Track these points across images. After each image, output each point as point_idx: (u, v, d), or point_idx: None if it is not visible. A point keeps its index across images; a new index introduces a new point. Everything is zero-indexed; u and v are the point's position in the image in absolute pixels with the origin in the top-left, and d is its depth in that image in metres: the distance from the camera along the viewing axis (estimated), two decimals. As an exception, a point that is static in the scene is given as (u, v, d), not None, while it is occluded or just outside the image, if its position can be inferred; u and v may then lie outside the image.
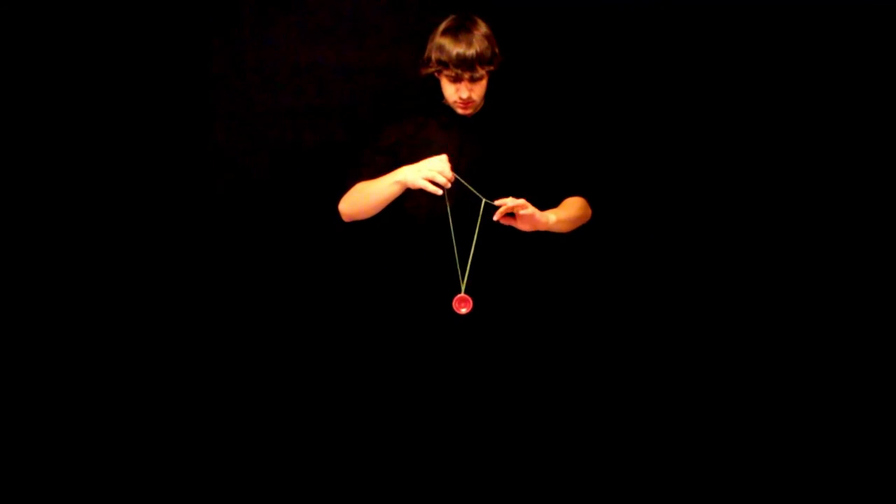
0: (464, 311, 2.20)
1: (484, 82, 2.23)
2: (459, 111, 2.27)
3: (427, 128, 2.31)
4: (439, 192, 2.13)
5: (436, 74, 2.24)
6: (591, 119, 2.73)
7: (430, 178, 2.12)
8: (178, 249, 2.73)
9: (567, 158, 2.37)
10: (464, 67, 2.16)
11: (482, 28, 2.20)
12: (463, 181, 2.17)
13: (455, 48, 2.16)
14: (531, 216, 2.14)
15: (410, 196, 2.24)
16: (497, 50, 2.21)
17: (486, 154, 2.27)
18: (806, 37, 2.70)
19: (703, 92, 2.73)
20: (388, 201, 2.25)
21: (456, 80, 2.20)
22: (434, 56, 2.20)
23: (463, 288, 2.21)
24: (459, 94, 2.22)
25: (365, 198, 2.27)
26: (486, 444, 2.31)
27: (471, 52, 2.15)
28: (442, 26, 2.22)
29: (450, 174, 2.13)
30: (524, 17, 2.68)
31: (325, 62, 2.70)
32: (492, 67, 2.21)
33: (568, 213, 2.28)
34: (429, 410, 2.31)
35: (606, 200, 2.50)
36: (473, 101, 2.24)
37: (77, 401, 2.70)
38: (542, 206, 2.21)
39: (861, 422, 2.75)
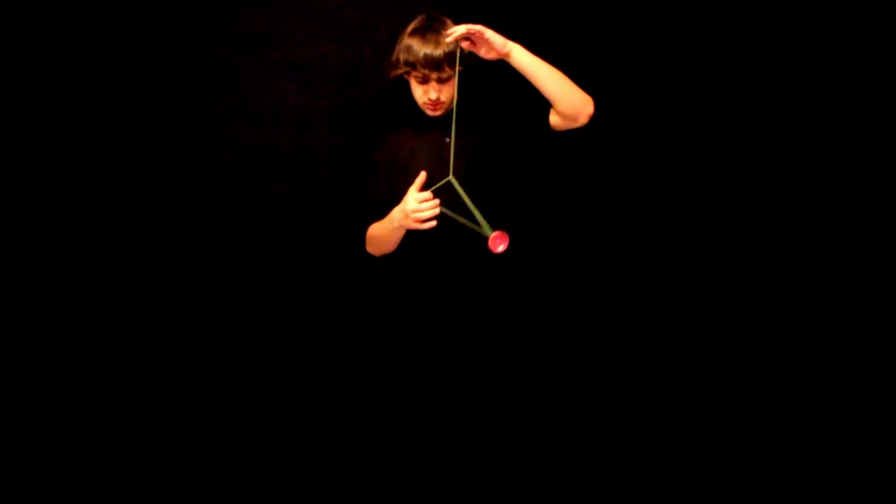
0: (501, 248, 2.12)
1: (452, 83, 2.20)
2: (429, 112, 2.25)
3: (405, 136, 2.30)
4: (434, 223, 2.08)
5: (405, 76, 2.23)
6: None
7: (420, 219, 2.07)
8: (178, 249, 2.75)
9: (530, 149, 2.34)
10: (431, 67, 2.14)
11: (450, 27, 2.15)
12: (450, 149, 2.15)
13: (423, 48, 2.14)
14: (482, 34, 2.08)
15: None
16: (466, 50, 2.16)
17: (463, 153, 2.22)
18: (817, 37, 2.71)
19: (687, 90, 2.77)
20: (400, 240, 2.26)
21: (424, 80, 2.18)
22: (402, 57, 2.18)
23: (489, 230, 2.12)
24: (428, 95, 2.20)
25: (381, 244, 2.30)
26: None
27: (438, 52, 2.13)
28: (410, 27, 2.20)
29: (432, 203, 2.07)
30: (498, 16, 2.58)
31: (323, 63, 2.73)
32: (461, 68, 2.17)
33: (546, 65, 2.17)
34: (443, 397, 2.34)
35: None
36: (442, 103, 2.22)
37: (80, 402, 2.71)
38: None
39: (861, 421, 2.73)
